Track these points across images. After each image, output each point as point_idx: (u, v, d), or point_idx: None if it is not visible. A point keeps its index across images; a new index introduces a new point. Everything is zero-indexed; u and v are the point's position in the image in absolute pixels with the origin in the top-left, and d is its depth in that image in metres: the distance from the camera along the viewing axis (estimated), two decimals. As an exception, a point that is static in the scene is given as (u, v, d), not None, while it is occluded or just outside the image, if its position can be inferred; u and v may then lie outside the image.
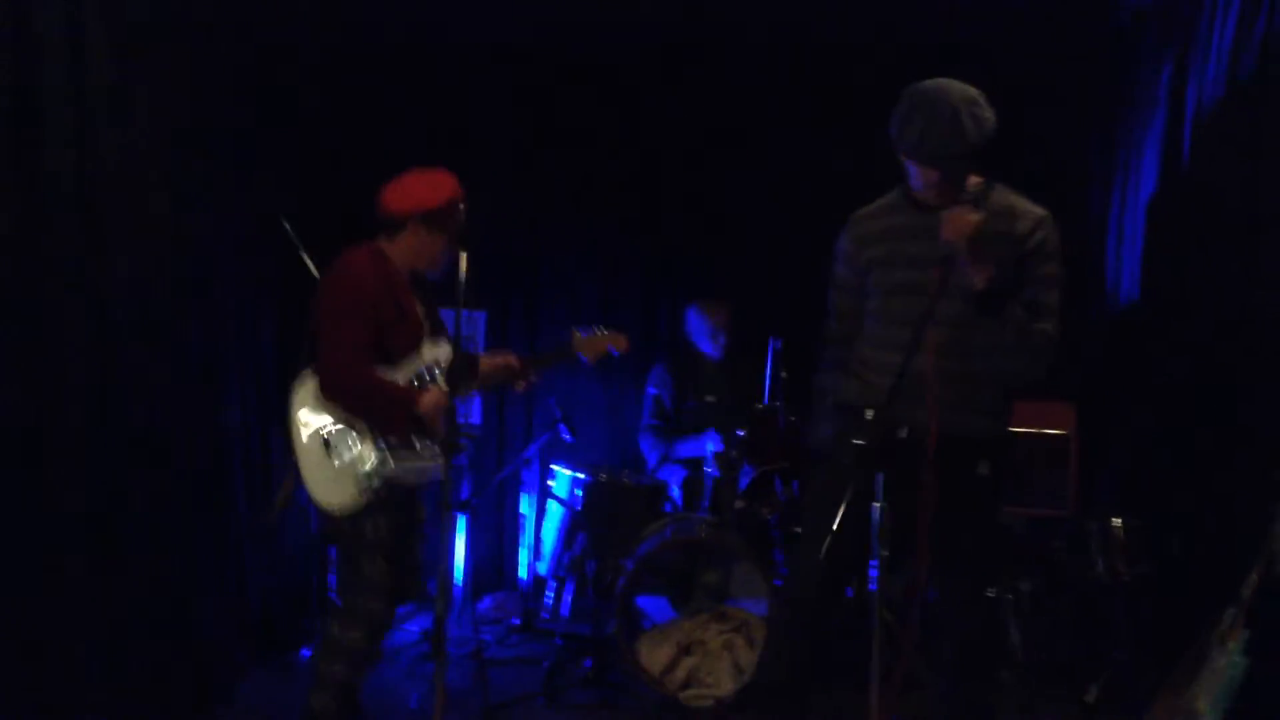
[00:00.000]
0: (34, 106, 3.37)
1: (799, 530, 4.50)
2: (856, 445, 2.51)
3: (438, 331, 3.70)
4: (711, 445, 4.93)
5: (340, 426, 3.52)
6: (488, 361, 3.84)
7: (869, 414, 2.58)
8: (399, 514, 3.57)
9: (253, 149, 4.72)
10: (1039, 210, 3.00)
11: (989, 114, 2.89)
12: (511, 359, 3.83)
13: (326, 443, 3.52)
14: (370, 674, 3.70)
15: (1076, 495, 4.58)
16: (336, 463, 3.50)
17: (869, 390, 3.01)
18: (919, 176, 2.97)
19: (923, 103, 2.88)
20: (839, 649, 3.83)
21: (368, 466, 3.46)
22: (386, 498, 3.50)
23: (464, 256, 3.24)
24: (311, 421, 3.56)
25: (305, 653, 4.55)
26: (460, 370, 3.47)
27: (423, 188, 3.57)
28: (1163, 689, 3.58)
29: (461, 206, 3.59)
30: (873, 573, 2.50)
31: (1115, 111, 5.12)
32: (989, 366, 2.95)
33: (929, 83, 2.93)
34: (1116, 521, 4.19)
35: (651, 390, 5.36)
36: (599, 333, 3.90)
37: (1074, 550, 4.35)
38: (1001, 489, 3.09)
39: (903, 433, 2.79)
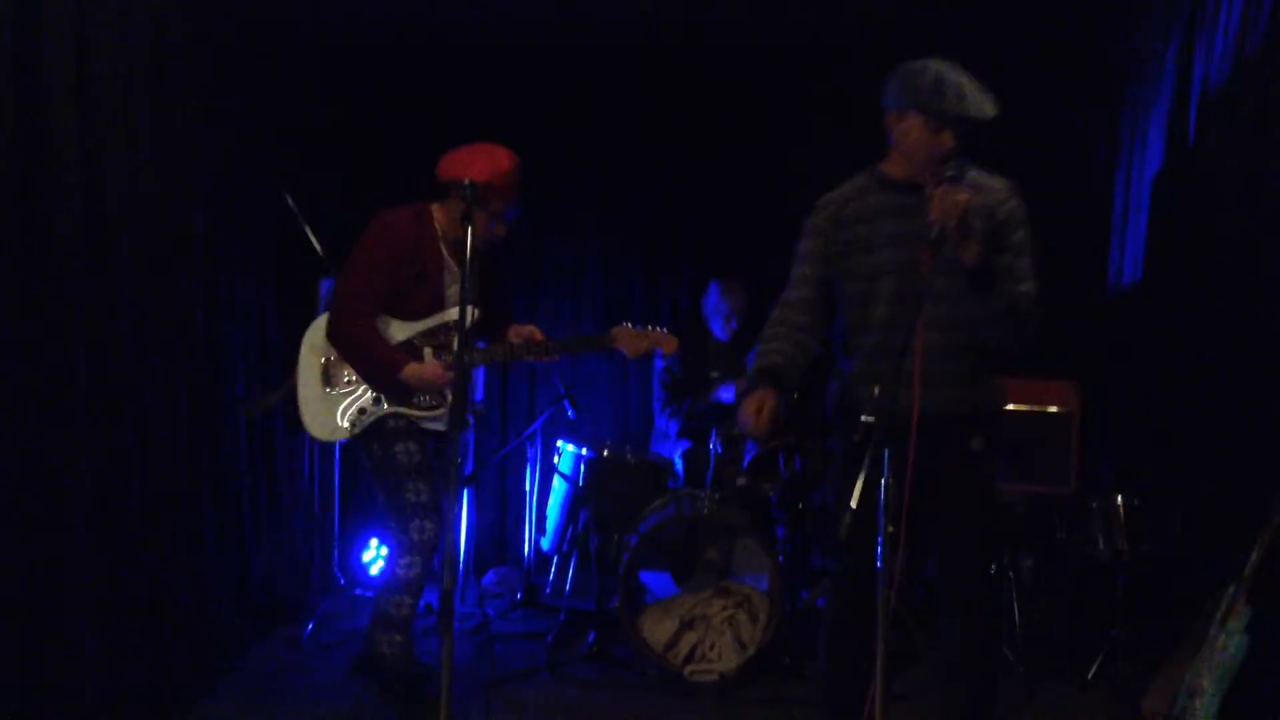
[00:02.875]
0: (38, 91, 3.36)
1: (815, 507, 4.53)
2: (865, 422, 2.51)
3: (474, 296, 3.64)
4: (726, 397, 4.95)
5: (340, 360, 3.70)
6: (514, 333, 3.87)
7: (875, 390, 2.57)
8: (427, 446, 3.67)
9: (252, 127, 4.72)
10: (1004, 181, 3.02)
11: None
12: (535, 332, 3.86)
13: (325, 373, 3.70)
14: None
15: (1079, 473, 4.59)
16: (330, 391, 3.68)
17: (862, 377, 3.00)
18: (920, 145, 2.92)
19: (939, 69, 2.88)
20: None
21: (358, 400, 3.61)
22: (407, 427, 3.63)
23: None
24: (316, 349, 3.74)
25: (308, 628, 4.55)
26: (489, 336, 3.67)
27: (474, 159, 3.60)
28: (1163, 667, 3.60)
29: (508, 187, 3.60)
30: (878, 550, 2.51)
31: (1120, 88, 5.10)
32: (980, 338, 2.96)
33: (927, 60, 2.92)
34: (1118, 499, 4.19)
35: (660, 363, 5.35)
36: (647, 330, 3.84)
37: (1075, 528, 4.35)
38: (995, 462, 3.08)
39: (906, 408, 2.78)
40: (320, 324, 3.75)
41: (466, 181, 3.08)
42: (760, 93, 5.78)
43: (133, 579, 3.83)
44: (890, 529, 2.50)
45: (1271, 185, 3.88)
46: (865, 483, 2.42)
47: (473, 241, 2.87)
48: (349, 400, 3.65)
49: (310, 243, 4.63)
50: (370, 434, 3.65)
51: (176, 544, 4.13)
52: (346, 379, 3.68)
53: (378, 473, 3.67)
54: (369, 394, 3.65)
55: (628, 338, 3.82)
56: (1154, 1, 4.80)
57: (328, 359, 3.72)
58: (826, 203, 3.14)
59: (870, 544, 2.55)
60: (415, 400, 3.64)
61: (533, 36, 5.63)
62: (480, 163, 3.58)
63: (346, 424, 3.65)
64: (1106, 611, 4.33)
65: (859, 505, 2.40)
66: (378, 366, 3.61)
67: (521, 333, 3.86)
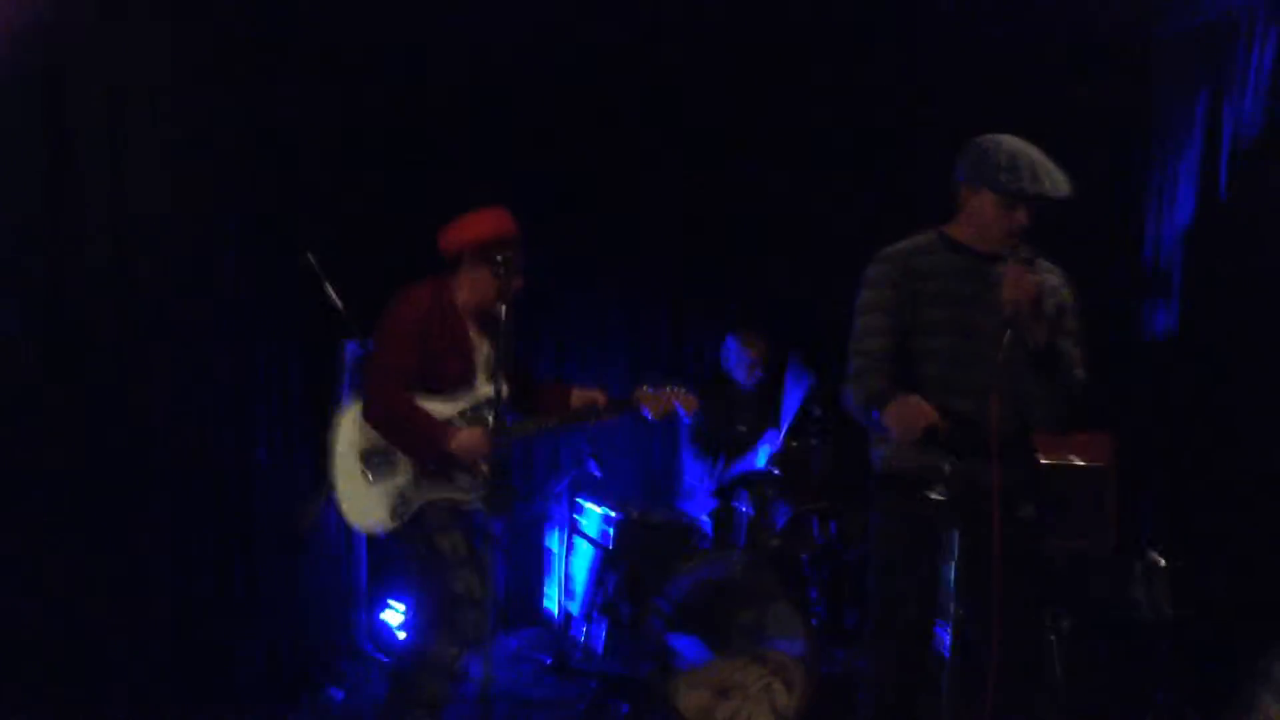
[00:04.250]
0: (68, 152, 3.37)
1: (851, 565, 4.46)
2: (936, 500, 2.49)
3: (501, 369, 3.66)
4: (768, 448, 4.90)
5: (378, 448, 3.57)
6: (579, 395, 3.84)
7: (947, 468, 2.55)
8: (469, 534, 3.59)
9: (273, 190, 4.71)
10: (1058, 270, 3.10)
11: None
12: (600, 396, 3.83)
13: (364, 462, 3.58)
14: None
15: (1116, 528, 4.52)
16: (371, 483, 3.56)
17: (932, 451, 2.94)
18: (994, 221, 2.95)
19: (1016, 147, 2.92)
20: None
21: (400, 488, 3.51)
22: (450, 519, 3.54)
23: (504, 309, 3.24)
24: (352, 441, 3.62)
25: (337, 694, 4.49)
26: (536, 404, 3.66)
27: (472, 223, 3.63)
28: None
29: (512, 242, 3.59)
30: (943, 635, 2.46)
31: (1149, 140, 5.06)
32: (1025, 414, 3.02)
33: (1000, 136, 2.96)
34: (1159, 559, 4.11)
35: (686, 420, 5.30)
36: (668, 390, 3.83)
37: (1116, 588, 4.27)
38: (1044, 529, 3.14)
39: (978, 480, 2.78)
40: (350, 414, 3.64)
41: (500, 249, 3.26)
42: (783, 145, 5.76)
43: (159, 649, 3.80)
44: (960, 611, 2.46)
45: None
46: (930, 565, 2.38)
47: (507, 300, 2.96)
48: (390, 487, 3.55)
49: (332, 302, 4.60)
50: (413, 525, 3.55)
51: (204, 613, 4.10)
52: (387, 465, 3.57)
53: (422, 564, 3.58)
54: (409, 478, 3.55)
55: (650, 399, 3.82)
56: (1183, 51, 4.77)
57: (365, 448, 3.60)
58: (894, 254, 3.11)
59: (925, 627, 2.50)
60: (456, 480, 3.56)
61: (562, 88, 5.62)
62: (487, 221, 3.61)
63: (388, 514, 3.54)
64: (1150, 674, 4.24)
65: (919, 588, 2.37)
66: (423, 439, 3.50)
67: (586, 395, 3.83)
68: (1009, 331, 2.74)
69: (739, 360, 5.29)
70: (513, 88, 5.61)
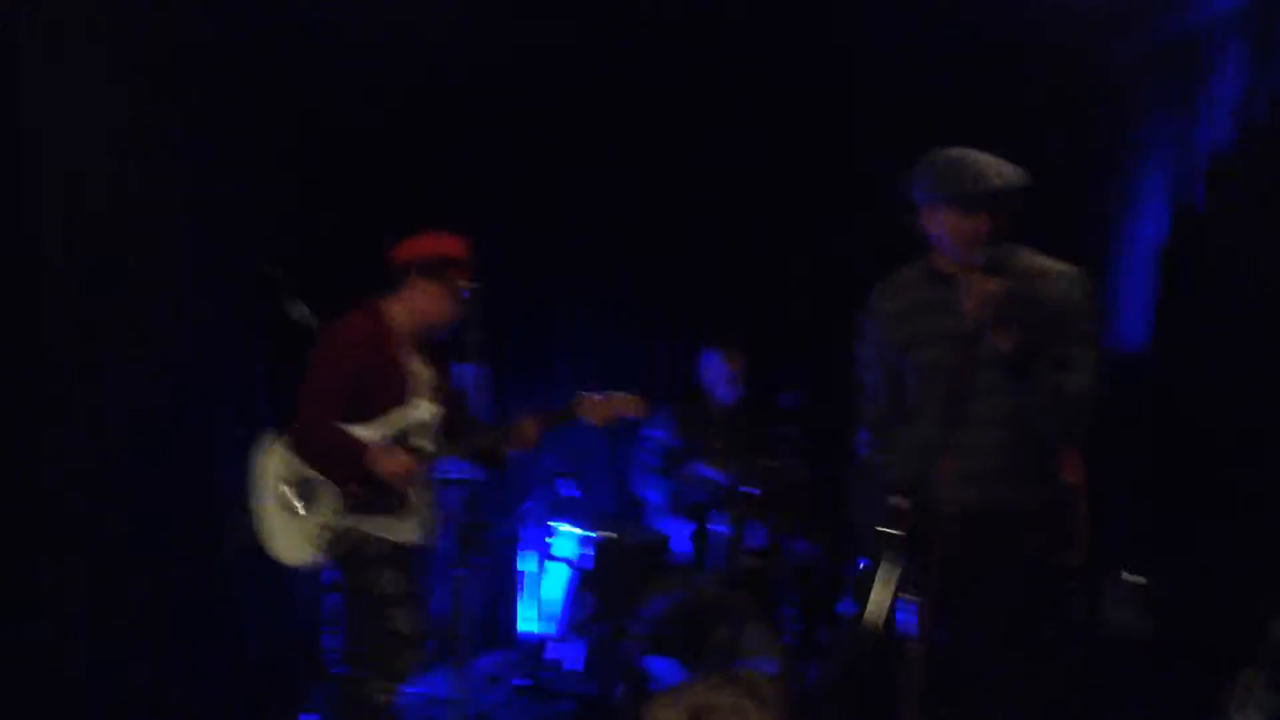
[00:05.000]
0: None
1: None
2: (892, 535, 2.45)
3: (438, 392, 3.62)
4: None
5: (304, 478, 3.49)
6: (519, 436, 3.75)
7: (901, 501, 2.52)
8: (406, 568, 3.52)
9: (240, 199, 4.64)
10: (1067, 268, 2.94)
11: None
12: (529, 428, 3.74)
13: (287, 493, 3.50)
14: None
15: (1086, 544, 4.53)
16: (293, 515, 3.48)
17: (904, 468, 2.94)
18: (958, 234, 2.87)
19: (955, 155, 2.87)
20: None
21: (323, 520, 3.44)
22: (388, 553, 3.47)
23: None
24: (275, 472, 3.54)
25: (305, 718, 4.43)
26: (460, 432, 3.56)
27: (425, 241, 3.59)
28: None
29: (464, 264, 3.56)
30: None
31: (1121, 155, 5.10)
32: (1025, 432, 2.88)
33: (936, 150, 2.93)
34: (1129, 577, 4.13)
35: (649, 432, 5.25)
36: (609, 396, 3.79)
37: (1086, 605, 4.28)
38: (1052, 570, 3.01)
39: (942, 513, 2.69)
40: (274, 451, 3.55)
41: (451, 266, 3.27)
42: (757, 161, 5.77)
43: (122, 670, 3.74)
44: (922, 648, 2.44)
45: (1277, 255, 3.88)
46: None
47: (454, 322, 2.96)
48: (314, 518, 3.46)
49: (299, 316, 4.52)
50: (350, 560, 3.47)
51: (170, 631, 4.04)
52: (311, 496, 3.48)
53: (355, 599, 3.49)
54: (335, 509, 3.46)
55: (591, 407, 3.77)
56: (1155, 67, 4.81)
57: (287, 478, 3.51)
58: (883, 294, 3.10)
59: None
60: (381, 506, 3.47)
61: (527, 106, 5.59)
62: (445, 239, 3.58)
63: (312, 545, 3.45)
64: (1119, 690, 4.25)
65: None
66: (343, 458, 3.42)
67: (515, 435, 3.75)
68: (971, 343, 2.64)
69: (718, 375, 5.25)
70: (478, 104, 5.59)
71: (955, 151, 2.88)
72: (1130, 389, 4.90)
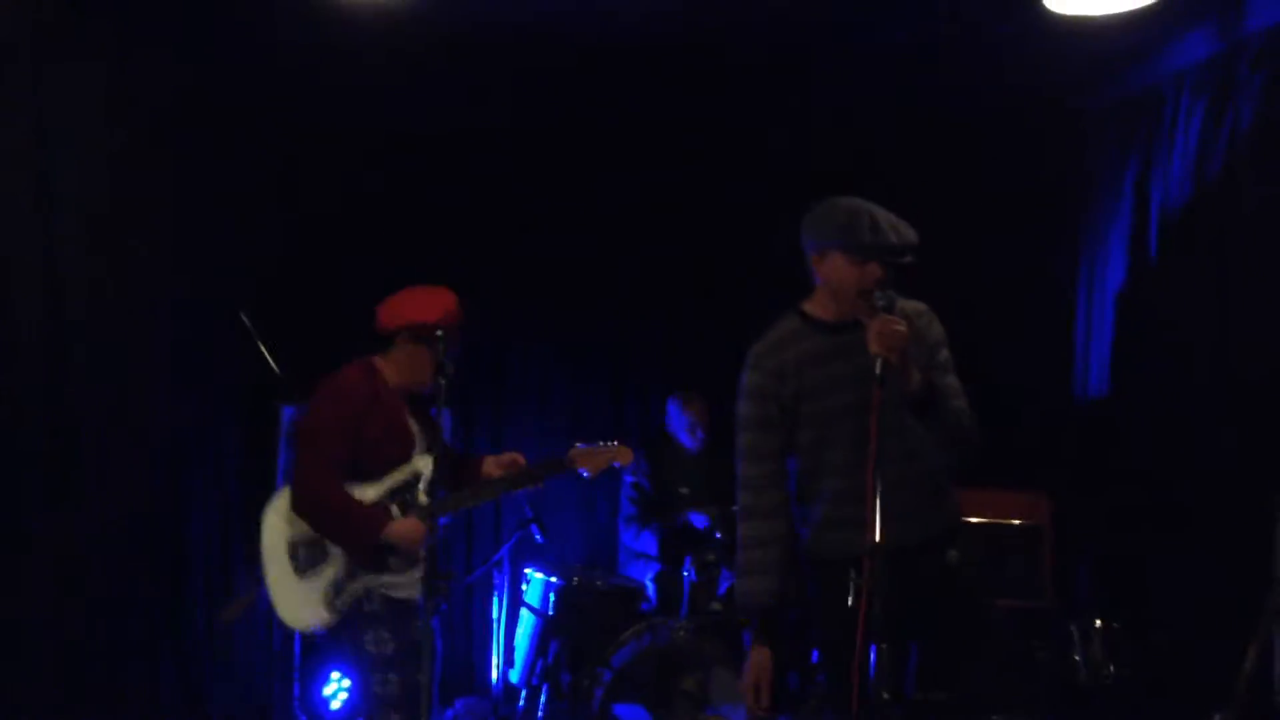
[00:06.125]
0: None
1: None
2: (851, 609, 2.47)
3: (431, 446, 3.58)
4: (696, 521, 4.89)
5: (310, 541, 3.42)
6: (494, 464, 3.72)
7: (853, 579, 2.54)
8: (401, 628, 3.43)
9: (206, 245, 4.65)
10: (921, 303, 3.02)
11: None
12: (519, 458, 3.72)
13: (294, 557, 3.43)
14: None
15: (1052, 586, 4.56)
16: (303, 578, 3.41)
17: (852, 532, 2.92)
18: (848, 281, 2.88)
19: (856, 203, 2.89)
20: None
21: (334, 580, 3.38)
22: (381, 611, 3.40)
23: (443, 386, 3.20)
24: (281, 533, 3.46)
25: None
26: (459, 480, 3.51)
27: (414, 303, 3.52)
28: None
29: (454, 325, 3.49)
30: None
31: (1078, 207, 5.18)
32: (931, 463, 2.96)
33: (836, 198, 2.94)
34: (1096, 621, 4.14)
35: (629, 478, 5.27)
36: (601, 446, 3.76)
37: (1054, 648, 4.29)
38: (974, 569, 3.09)
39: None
40: (277, 506, 3.50)
41: (439, 331, 3.18)
42: (720, 205, 5.84)
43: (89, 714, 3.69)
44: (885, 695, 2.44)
45: (1234, 301, 3.94)
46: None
47: (443, 387, 2.89)
48: (323, 580, 3.40)
49: (269, 365, 4.51)
50: (342, 625, 3.41)
51: (133, 686, 3.99)
52: (318, 557, 3.43)
53: (354, 663, 3.48)
54: (342, 568, 3.41)
55: (585, 457, 3.74)
56: (1111, 119, 4.91)
57: (293, 539, 3.45)
58: (762, 353, 3.04)
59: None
60: (390, 564, 3.42)
61: (502, 146, 5.64)
62: (431, 303, 3.50)
63: (323, 608, 3.38)
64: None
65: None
66: (358, 530, 3.37)
67: (502, 462, 3.72)
68: (880, 384, 2.62)
69: (679, 422, 5.30)
70: (449, 155, 5.63)
71: (854, 201, 2.91)
72: (1094, 436, 4.97)
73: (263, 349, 4.45)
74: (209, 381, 4.65)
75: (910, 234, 2.89)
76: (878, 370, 2.62)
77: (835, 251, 2.90)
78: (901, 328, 2.67)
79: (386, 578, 3.43)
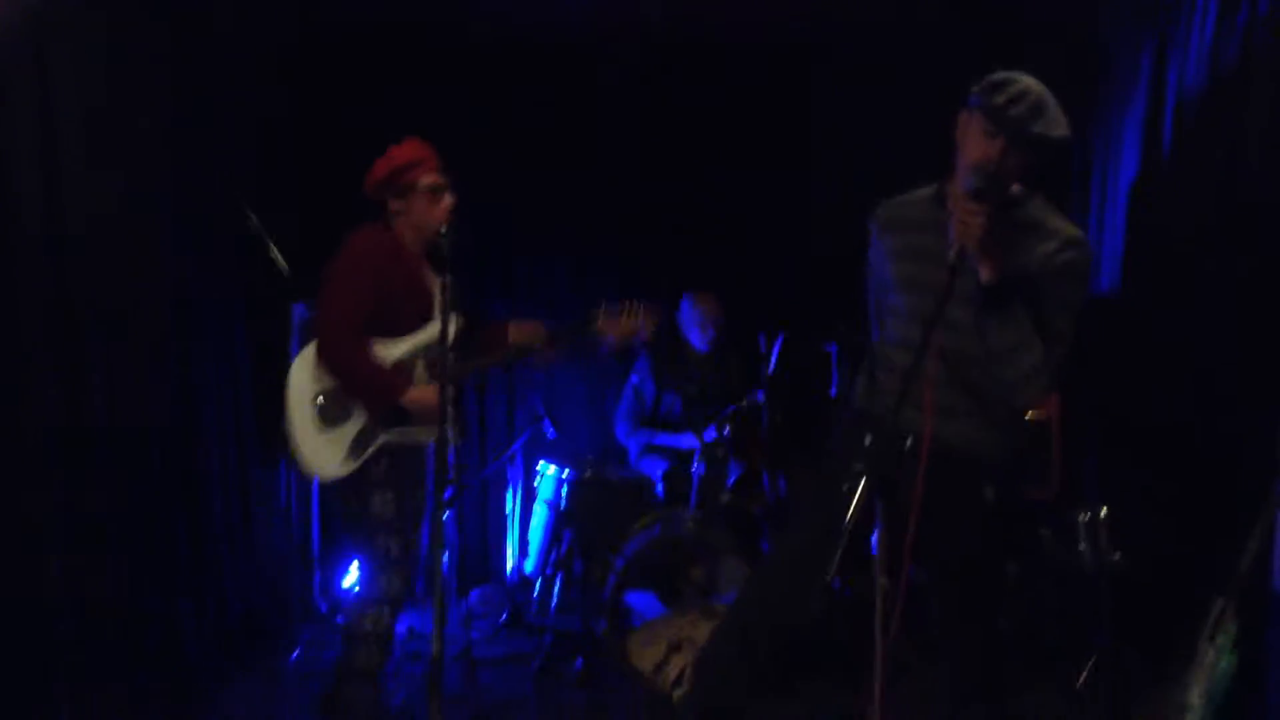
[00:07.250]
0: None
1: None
2: (857, 469, 2.39)
3: (451, 307, 3.62)
4: (688, 445, 4.94)
5: (334, 393, 3.49)
6: (516, 330, 3.76)
7: (868, 440, 2.51)
8: (406, 492, 3.55)
9: (212, 147, 4.63)
10: (1071, 231, 2.78)
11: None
12: (539, 327, 3.76)
13: (319, 407, 3.50)
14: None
15: (1061, 476, 4.60)
16: (326, 429, 3.48)
17: (875, 393, 2.98)
18: (973, 147, 2.71)
19: (1034, 83, 2.69)
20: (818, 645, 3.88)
21: (357, 431, 3.46)
22: (389, 473, 3.49)
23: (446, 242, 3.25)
24: (306, 386, 3.53)
25: (292, 658, 4.50)
26: (479, 342, 3.56)
27: (383, 160, 3.58)
28: (1156, 682, 3.60)
29: (428, 163, 3.55)
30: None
31: (1092, 96, 5.09)
32: (988, 376, 2.78)
33: (1020, 73, 2.73)
34: (1102, 511, 4.18)
35: (634, 378, 5.33)
36: (627, 310, 3.71)
37: (1060, 536, 4.35)
38: (1006, 518, 2.99)
39: (907, 444, 2.61)
40: (302, 360, 3.56)
41: (416, 171, 3.40)
42: (730, 109, 5.77)
43: (105, 614, 3.78)
44: (883, 581, 2.44)
45: (1247, 197, 3.89)
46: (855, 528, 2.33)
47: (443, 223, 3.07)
48: (346, 430, 3.48)
49: (278, 264, 4.51)
50: (348, 483, 3.50)
51: (150, 577, 4.08)
52: (341, 409, 3.49)
53: (353, 524, 3.55)
54: (365, 421, 3.48)
55: (610, 323, 3.72)
56: (1125, 9, 4.80)
57: (318, 391, 3.50)
58: (884, 204, 3.05)
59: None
60: (411, 421, 3.50)
61: (511, 42, 5.56)
62: (395, 152, 3.55)
63: (346, 455, 3.46)
64: (1093, 620, 4.33)
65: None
66: (378, 394, 3.45)
67: (524, 329, 3.77)
68: (952, 272, 2.48)
69: (690, 318, 5.31)
70: (462, 44, 5.56)
71: (1034, 82, 2.69)
72: (1104, 330, 4.95)
73: (272, 247, 4.45)
74: (217, 282, 4.66)
75: (1059, 130, 2.66)
76: (950, 258, 2.51)
77: (977, 113, 2.73)
78: (979, 218, 2.52)
79: (407, 428, 3.51)
